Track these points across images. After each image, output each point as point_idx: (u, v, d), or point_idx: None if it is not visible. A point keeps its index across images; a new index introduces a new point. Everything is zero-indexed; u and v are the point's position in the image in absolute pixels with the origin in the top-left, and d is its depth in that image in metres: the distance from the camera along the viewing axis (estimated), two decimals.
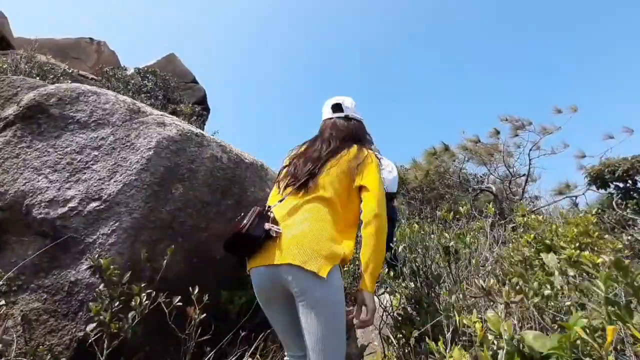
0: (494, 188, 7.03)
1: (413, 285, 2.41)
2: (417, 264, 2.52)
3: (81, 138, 2.07)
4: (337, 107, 1.36)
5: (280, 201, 1.25)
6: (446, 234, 2.40)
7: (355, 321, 1.11)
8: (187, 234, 2.29)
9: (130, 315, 1.41)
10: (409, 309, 2.16)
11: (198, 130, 2.53)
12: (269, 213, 1.16)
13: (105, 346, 1.31)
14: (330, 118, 1.37)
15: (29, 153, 1.98)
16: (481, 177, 7.84)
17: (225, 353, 1.94)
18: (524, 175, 6.12)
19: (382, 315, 2.14)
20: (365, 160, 1.21)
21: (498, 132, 7.04)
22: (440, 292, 2.28)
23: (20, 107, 2.06)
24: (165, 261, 1.87)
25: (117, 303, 1.38)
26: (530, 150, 5.68)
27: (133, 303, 1.43)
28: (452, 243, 2.32)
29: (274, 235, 1.09)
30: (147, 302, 1.40)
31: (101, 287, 1.40)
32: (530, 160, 5.70)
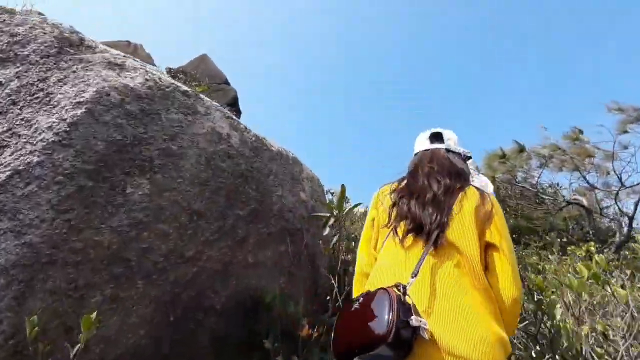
0: (585, 201, 5.54)
1: None
2: None
3: None
4: (435, 137, 1.11)
5: (414, 276, 0.82)
6: None
7: None
8: (156, 271, 1.24)
9: None
10: None
11: (190, 89, 1.48)
12: (406, 297, 0.74)
13: None
14: (427, 150, 1.10)
15: None
16: (557, 186, 6.36)
17: None
18: (637, 184, 4.62)
19: None
20: (493, 209, 0.91)
21: (581, 132, 5.57)
22: None
23: None
24: (76, 350, 0.81)
25: None
26: None
27: None
28: None
29: (427, 337, 0.70)
30: None
31: None
32: None
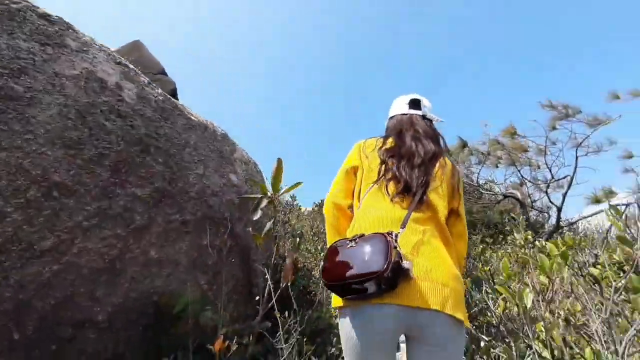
0: (519, 194, 5.82)
1: None
2: None
3: None
4: (414, 104, 1.20)
5: (403, 227, 0.96)
6: None
7: None
8: None
9: None
10: None
11: (58, 17, 1.07)
12: (396, 244, 0.86)
13: None
14: (405, 114, 1.19)
15: None
16: (493, 182, 6.66)
17: None
18: (564, 177, 4.91)
19: None
20: (460, 180, 1.10)
21: (515, 129, 5.89)
22: None
23: None
24: None
25: None
26: (579, 146, 4.46)
27: None
28: None
29: (413, 276, 0.86)
30: None
31: None
32: (577, 159, 4.49)
